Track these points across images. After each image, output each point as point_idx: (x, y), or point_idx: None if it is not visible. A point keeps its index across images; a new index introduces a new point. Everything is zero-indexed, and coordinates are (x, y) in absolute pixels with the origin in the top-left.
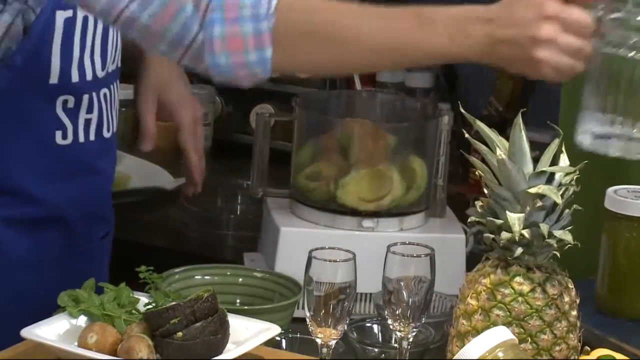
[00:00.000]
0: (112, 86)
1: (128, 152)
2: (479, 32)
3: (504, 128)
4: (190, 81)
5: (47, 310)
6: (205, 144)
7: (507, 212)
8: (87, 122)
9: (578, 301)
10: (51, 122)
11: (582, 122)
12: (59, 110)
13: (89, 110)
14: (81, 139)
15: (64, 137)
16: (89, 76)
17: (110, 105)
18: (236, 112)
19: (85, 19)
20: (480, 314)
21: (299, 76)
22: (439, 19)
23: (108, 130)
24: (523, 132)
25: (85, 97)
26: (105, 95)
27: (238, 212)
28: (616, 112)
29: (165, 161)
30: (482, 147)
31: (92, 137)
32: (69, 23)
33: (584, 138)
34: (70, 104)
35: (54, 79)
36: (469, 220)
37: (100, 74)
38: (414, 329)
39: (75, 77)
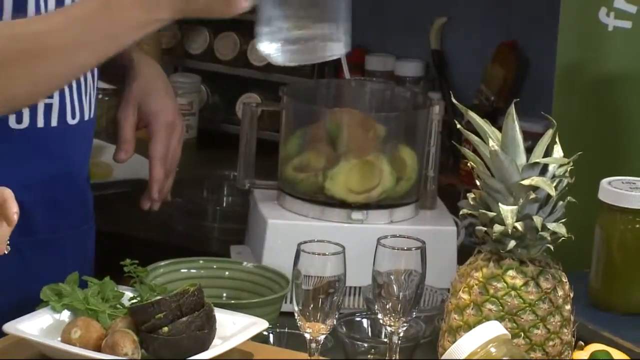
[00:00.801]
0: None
1: (111, 142)
2: None
3: (495, 118)
4: (175, 69)
5: (7, 303)
6: (191, 134)
7: (499, 204)
8: (48, 107)
9: (572, 295)
10: None
11: (262, 30)
12: None
13: (49, 94)
14: (40, 123)
15: (19, 120)
16: None
17: (77, 91)
18: (222, 102)
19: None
20: (472, 309)
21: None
22: None
23: (73, 117)
24: (516, 122)
25: None
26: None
27: (224, 204)
28: (293, 16)
29: None
30: (474, 138)
31: (53, 123)
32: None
33: (266, 47)
34: None
35: None
36: (460, 212)
37: None
38: (405, 324)
39: None
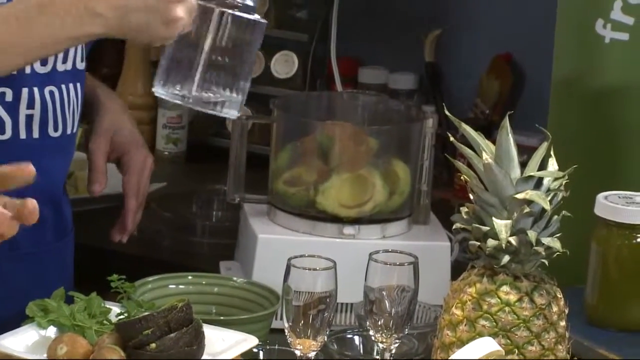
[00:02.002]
0: (63, 86)
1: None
2: (107, 5)
3: (490, 131)
4: None
5: None
6: (180, 148)
7: (493, 218)
8: (29, 119)
9: (567, 311)
10: None
11: (164, 78)
12: None
13: (30, 105)
14: (22, 135)
15: (2, 132)
16: (27, 69)
17: (60, 105)
18: (212, 115)
19: None
20: (465, 325)
21: (277, 77)
22: (58, 3)
23: (55, 130)
24: (510, 135)
25: (25, 90)
26: (52, 93)
27: (214, 219)
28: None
29: None
30: (467, 151)
31: (35, 135)
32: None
33: (161, 90)
34: (9, 97)
35: None
36: (454, 227)
37: (40, 69)
38: (397, 341)
39: None
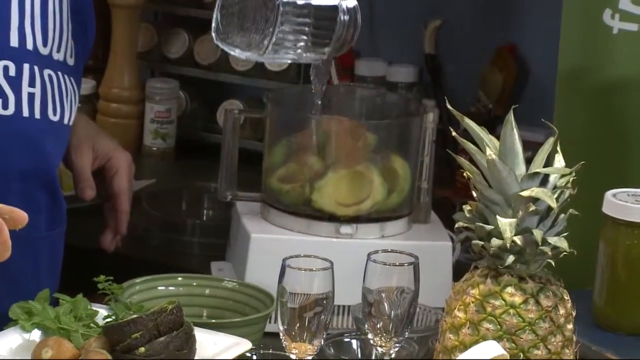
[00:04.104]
0: (59, 73)
1: None
2: None
3: (493, 126)
4: (151, 74)
5: None
6: (168, 143)
7: (497, 217)
8: (31, 97)
9: (574, 314)
10: None
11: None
12: (0, 77)
13: (31, 83)
14: (25, 113)
15: (5, 106)
16: (29, 45)
17: (58, 90)
18: (202, 109)
19: None
20: (468, 328)
21: (270, 69)
22: None
23: (54, 114)
24: (515, 130)
25: (26, 67)
26: (50, 76)
27: (204, 218)
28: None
29: None
30: (470, 147)
31: (37, 115)
32: None
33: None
34: (12, 72)
35: None
36: (456, 226)
37: (42, 49)
38: (397, 344)
39: (14, 41)
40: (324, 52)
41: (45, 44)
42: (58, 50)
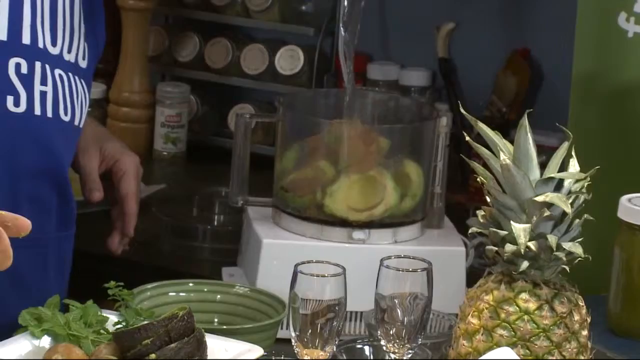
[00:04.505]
0: (70, 74)
1: None
2: None
3: (507, 130)
4: (162, 78)
5: None
6: (179, 148)
7: (511, 222)
8: (43, 95)
9: (589, 320)
10: (2, 86)
11: None
12: (12, 74)
13: (43, 81)
14: (37, 111)
15: (17, 104)
16: (40, 43)
17: (69, 90)
18: (213, 113)
19: None
20: (482, 334)
21: (282, 73)
22: None
23: (66, 114)
24: (529, 134)
25: (38, 64)
26: (61, 76)
27: (215, 223)
28: None
29: None
30: (484, 151)
31: (49, 114)
32: None
33: None
34: (24, 70)
35: (2, 34)
36: (469, 231)
37: (51, 49)
38: (410, 351)
39: (26, 39)
40: None
41: (54, 44)
42: (69, 51)
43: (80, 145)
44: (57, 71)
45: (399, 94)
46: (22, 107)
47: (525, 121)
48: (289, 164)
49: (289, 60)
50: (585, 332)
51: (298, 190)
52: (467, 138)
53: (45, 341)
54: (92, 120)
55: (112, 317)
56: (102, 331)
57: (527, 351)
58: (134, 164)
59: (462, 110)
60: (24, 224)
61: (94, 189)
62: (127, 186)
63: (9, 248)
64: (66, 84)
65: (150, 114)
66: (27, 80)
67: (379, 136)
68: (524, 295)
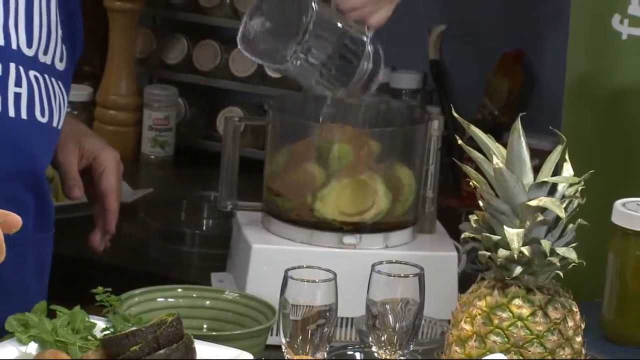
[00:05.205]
0: (46, 76)
1: None
2: None
3: (499, 133)
4: (149, 81)
5: None
6: (167, 151)
7: (504, 227)
8: (18, 97)
9: (583, 326)
10: None
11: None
12: None
13: (17, 83)
14: (11, 113)
15: None
16: (14, 44)
17: (45, 92)
18: (201, 116)
19: None
20: (475, 341)
21: (271, 75)
22: None
23: (42, 115)
24: (522, 138)
25: (12, 66)
26: (36, 78)
27: (204, 228)
28: None
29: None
30: (476, 155)
31: (23, 115)
32: None
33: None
34: None
35: None
36: (462, 236)
37: (26, 50)
38: (401, 357)
39: (0, 40)
40: (346, 82)
41: (30, 45)
42: (45, 53)
43: (59, 142)
44: (32, 72)
45: (390, 97)
46: None
47: (518, 124)
48: (279, 167)
49: None
50: (579, 339)
51: (288, 194)
52: (460, 141)
53: (32, 347)
54: (70, 117)
55: (99, 323)
56: (89, 337)
57: (521, 357)
58: (114, 159)
59: (454, 113)
60: (15, 219)
61: (73, 185)
62: (107, 182)
63: (3, 243)
64: (42, 85)
65: (137, 117)
66: (1, 82)
67: (370, 140)
68: (517, 301)
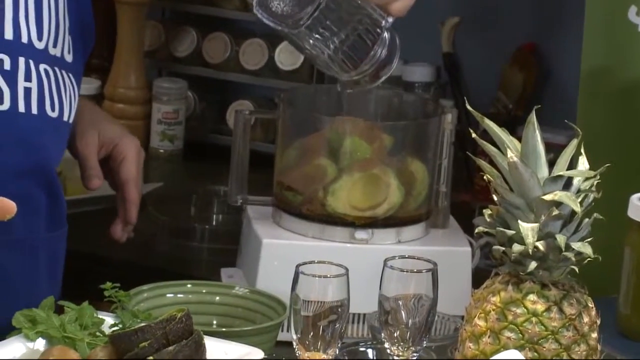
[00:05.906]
0: (56, 69)
1: None
2: None
3: (513, 127)
4: (159, 74)
5: None
6: (176, 145)
7: (519, 221)
8: (28, 92)
9: (599, 322)
10: None
11: None
12: None
13: (27, 77)
14: (21, 108)
15: (1, 101)
16: (24, 38)
17: (56, 85)
18: (211, 109)
19: None
20: (489, 337)
21: (282, 68)
22: None
23: (53, 109)
24: (537, 131)
25: (22, 60)
26: (47, 71)
27: (214, 223)
28: None
29: None
30: (490, 149)
31: (34, 110)
32: None
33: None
34: (7, 66)
35: None
36: (475, 231)
37: (37, 43)
38: (414, 354)
39: (8, 34)
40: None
41: (40, 38)
42: (54, 46)
43: (78, 130)
44: (43, 66)
45: (403, 90)
46: (6, 105)
47: (533, 118)
48: (290, 161)
49: (290, 55)
50: (594, 335)
51: (299, 188)
52: (474, 135)
53: (40, 344)
54: (89, 103)
55: (108, 319)
56: (98, 333)
57: (536, 354)
58: (134, 147)
59: (468, 107)
60: (9, 205)
61: (92, 175)
62: (126, 172)
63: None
64: (52, 79)
65: (146, 111)
66: (10, 77)
67: (382, 133)
68: (532, 297)
